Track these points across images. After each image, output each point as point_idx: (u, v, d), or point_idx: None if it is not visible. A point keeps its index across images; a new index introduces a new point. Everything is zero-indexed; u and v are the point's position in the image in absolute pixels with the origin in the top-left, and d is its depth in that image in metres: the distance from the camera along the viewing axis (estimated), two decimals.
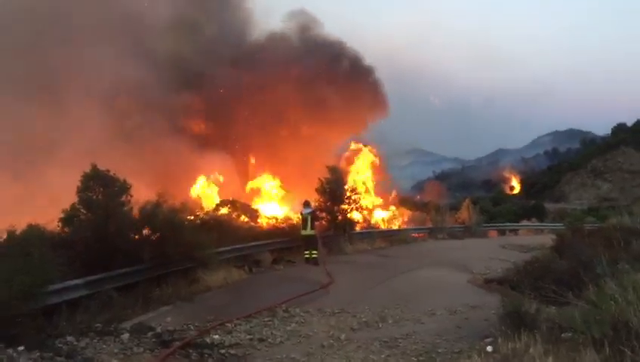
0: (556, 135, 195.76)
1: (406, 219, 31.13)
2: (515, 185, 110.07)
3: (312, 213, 18.68)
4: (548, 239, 16.20)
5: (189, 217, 15.63)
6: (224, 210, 22.72)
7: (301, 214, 18.67)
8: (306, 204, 18.80)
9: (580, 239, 11.78)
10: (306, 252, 18.02)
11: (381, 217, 30.02)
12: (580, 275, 7.36)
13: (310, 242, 18.16)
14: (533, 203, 53.98)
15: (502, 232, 34.82)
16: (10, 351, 7.24)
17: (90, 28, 26.68)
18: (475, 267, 17.04)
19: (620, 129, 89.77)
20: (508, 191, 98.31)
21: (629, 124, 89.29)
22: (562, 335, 6.30)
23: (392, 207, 32.03)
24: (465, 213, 32.64)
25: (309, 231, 18.22)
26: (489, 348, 6.84)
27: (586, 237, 11.77)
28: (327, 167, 22.41)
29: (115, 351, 7.94)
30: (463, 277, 15.05)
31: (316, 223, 18.91)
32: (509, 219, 39.32)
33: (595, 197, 74.30)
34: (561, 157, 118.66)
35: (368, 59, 39.20)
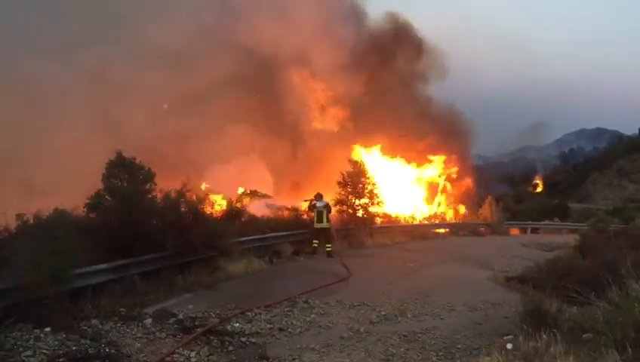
0: (582, 133, 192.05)
1: (427, 215, 31.00)
2: (539, 183, 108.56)
3: (327, 206, 18.66)
4: (569, 238, 16.05)
5: (211, 208, 15.73)
6: (246, 200, 22.89)
7: (314, 207, 18.43)
8: (319, 197, 18.62)
9: (605, 240, 11.63)
10: (315, 242, 18.16)
11: (402, 212, 29.84)
12: (603, 276, 7.26)
13: (325, 235, 18.26)
14: (557, 202, 53.23)
15: (523, 230, 34.48)
16: (37, 331, 7.47)
17: None
18: (496, 264, 16.94)
19: None
20: (531, 190, 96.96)
21: None
22: (583, 335, 6.27)
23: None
24: (487, 210, 32.40)
25: (324, 224, 18.26)
26: (509, 346, 6.82)
27: (611, 238, 11.61)
28: (349, 160, 22.38)
29: (139, 335, 8.13)
30: (484, 274, 14.97)
31: (330, 216, 18.86)
32: (532, 217, 38.86)
33: (620, 197, 72.94)
34: (586, 156, 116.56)
35: None
